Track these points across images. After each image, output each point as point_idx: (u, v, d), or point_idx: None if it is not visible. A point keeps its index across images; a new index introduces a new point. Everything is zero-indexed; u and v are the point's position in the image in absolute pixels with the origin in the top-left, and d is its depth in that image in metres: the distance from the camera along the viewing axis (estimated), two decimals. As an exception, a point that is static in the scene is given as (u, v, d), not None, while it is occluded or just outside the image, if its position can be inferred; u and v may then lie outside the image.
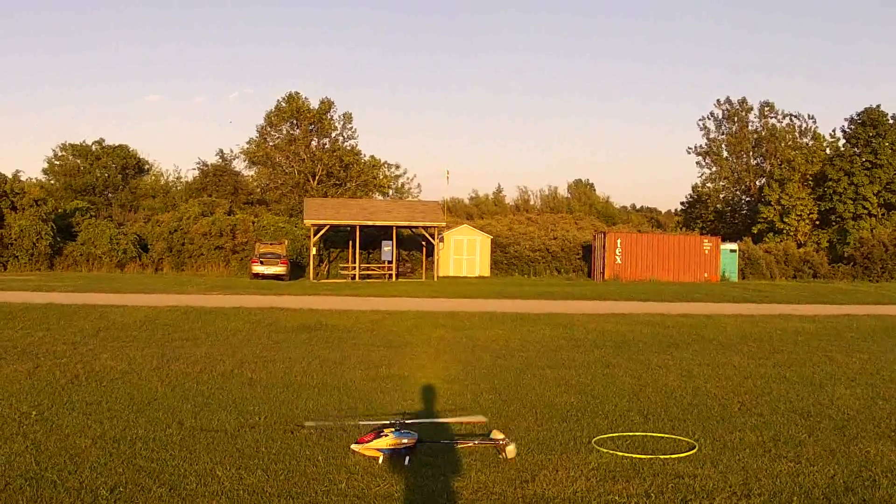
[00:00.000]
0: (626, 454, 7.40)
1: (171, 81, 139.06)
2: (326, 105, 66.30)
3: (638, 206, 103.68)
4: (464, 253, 48.39)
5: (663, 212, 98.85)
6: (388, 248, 44.04)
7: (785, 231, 59.93)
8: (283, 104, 65.67)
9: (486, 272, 47.90)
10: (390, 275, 44.31)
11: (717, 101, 78.57)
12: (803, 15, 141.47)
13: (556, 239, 52.61)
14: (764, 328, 18.97)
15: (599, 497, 6.24)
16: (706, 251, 46.37)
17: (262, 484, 6.40)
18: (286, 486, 6.36)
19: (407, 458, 6.99)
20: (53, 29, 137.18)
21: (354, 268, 44.02)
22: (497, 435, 7.42)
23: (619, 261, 45.16)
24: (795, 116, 73.89)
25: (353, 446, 7.20)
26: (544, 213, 77.42)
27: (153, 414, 8.77)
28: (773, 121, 75.15)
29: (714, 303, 27.42)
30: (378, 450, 7.02)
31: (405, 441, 7.09)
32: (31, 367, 11.72)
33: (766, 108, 75.32)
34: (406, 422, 7.70)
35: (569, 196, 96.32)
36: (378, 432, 7.21)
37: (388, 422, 7.81)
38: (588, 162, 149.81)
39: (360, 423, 8.22)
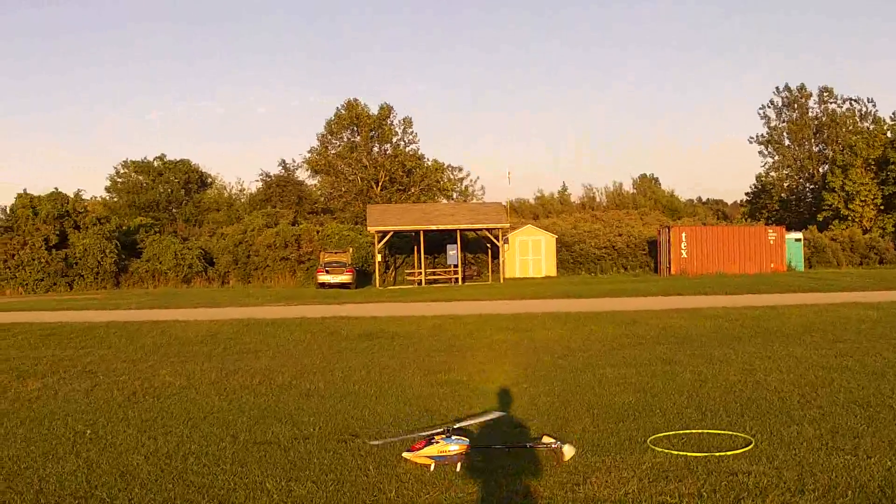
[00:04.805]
0: (681, 452, 7.19)
1: (229, 93, 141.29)
2: (386, 111, 66.73)
3: (704, 199, 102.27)
4: (529, 253, 47.86)
5: (730, 203, 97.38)
6: (452, 252, 43.79)
7: (850, 217, 58.55)
8: (343, 112, 66.17)
9: (553, 272, 47.41)
10: (456, 279, 44.02)
11: (776, 88, 77.29)
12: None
13: (621, 235, 52.04)
14: (827, 317, 18.40)
15: (651, 498, 6.07)
16: (771, 241, 45.43)
17: (311, 495, 6.35)
18: (335, 497, 6.30)
19: (459, 465, 6.88)
20: (113, 46, 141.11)
21: (420, 273, 43.99)
22: (547, 439, 7.24)
23: (684, 255, 44.46)
24: (855, 101, 72.58)
25: (404, 454, 7.11)
26: (610, 210, 76.90)
27: (208, 428, 8.79)
28: (833, 106, 73.81)
29: (779, 293, 26.76)
30: (429, 457, 6.91)
31: (455, 448, 6.96)
32: (90, 386, 11.89)
33: (825, 94, 73.94)
34: (456, 427, 7.55)
35: (634, 191, 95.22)
36: (429, 440, 7.10)
37: (439, 429, 7.68)
38: (653, 155, 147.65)
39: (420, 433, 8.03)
